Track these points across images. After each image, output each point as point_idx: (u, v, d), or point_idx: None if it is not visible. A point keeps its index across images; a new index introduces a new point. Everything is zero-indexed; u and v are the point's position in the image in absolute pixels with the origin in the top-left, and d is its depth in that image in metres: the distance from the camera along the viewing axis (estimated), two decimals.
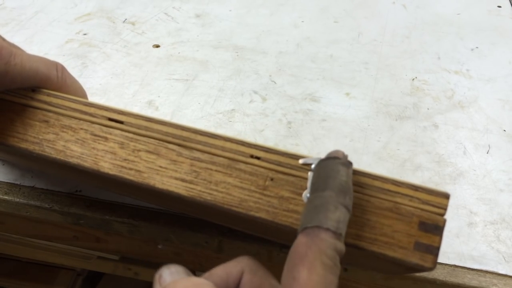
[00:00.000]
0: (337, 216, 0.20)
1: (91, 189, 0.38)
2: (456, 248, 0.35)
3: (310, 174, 0.24)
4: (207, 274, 0.22)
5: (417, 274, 0.34)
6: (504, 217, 0.37)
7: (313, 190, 0.22)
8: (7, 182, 0.38)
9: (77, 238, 0.44)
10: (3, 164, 0.39)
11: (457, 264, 0.34)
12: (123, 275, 0.57)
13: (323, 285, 0.18)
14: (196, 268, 0.44)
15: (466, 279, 0.33)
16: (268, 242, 0.35)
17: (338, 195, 0.21)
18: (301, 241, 0.20)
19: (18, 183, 0.38)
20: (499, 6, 0.62)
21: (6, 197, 0.37)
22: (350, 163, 0.23)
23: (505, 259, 0.34)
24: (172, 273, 0.21)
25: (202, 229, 0.36)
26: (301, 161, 0.25)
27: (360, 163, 0.40)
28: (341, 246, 0.20)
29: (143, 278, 0.58)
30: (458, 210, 0.37)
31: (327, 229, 0.20)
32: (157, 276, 0.22)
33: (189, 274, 0.22)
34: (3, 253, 0.68)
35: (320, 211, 0.20)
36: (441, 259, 0.34)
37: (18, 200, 0.37)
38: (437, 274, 0.33)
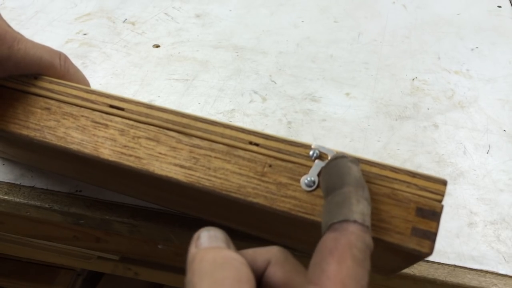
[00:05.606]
0: (360, 208, 0.20)
1: (91, 189, 0.38)
2: (456, 248, 0.35)
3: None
4: (237, 252, 0.21)
5: (418, 274, 0.33)
6: (504, 217, 0.37)
7: (330, 190, 0.22)
8: (7, 182, 0.38)
9: (77, 238, 0.44)
10: (3, 164, 0.39)
11: (457, 264, 0.34)
12: (123, 275, 0.57)
13: (354, 279, 0.18)
14: None
15: (466, 279, 0.33)
16: (269, 243, 0.35)
17: (357, 189, 0.21)
18: (329, 236, 0.19)
19: (18, 183, 0.38)
20: (499, 6, 0.62)
21: (6, 197, 0.37)
22: (358, 160, 0.23)
23: (505, 259, 0.34)
24: (211, 238, 0.20)
25: None
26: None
27: None
28: (369, 239, 0.19)
29: (143, 278, 0.58)
30: (458, 210, 0.37)
31: (355, 221, 0.19)
32: (195, 236, 0.21)
33: (228, 242, 0.21)
34: (3, 253, 0.68)
35: (343, 206, 0.20)
36: (441, 259, 0.34)
37: (18, 200, 0.37)
38: (437, 274, 0.33)
